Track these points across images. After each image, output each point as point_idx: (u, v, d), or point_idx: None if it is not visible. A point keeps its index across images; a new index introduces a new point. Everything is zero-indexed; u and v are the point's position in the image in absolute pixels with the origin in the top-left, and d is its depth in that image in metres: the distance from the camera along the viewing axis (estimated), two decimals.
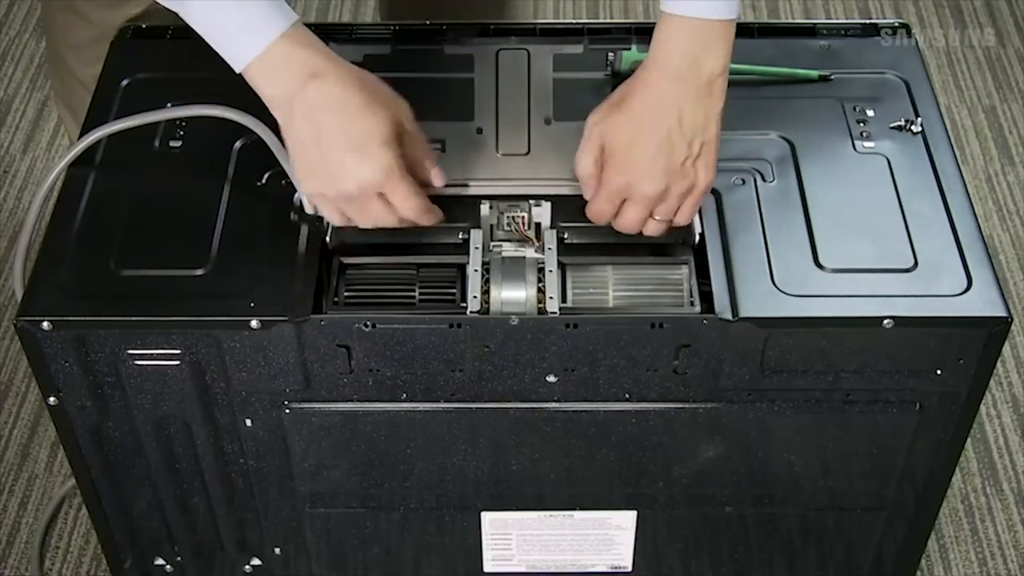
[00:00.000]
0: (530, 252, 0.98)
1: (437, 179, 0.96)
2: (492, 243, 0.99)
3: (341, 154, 0.89)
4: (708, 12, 0.89)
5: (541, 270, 0.96)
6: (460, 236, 0.98)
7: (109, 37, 1.15)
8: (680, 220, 0.95)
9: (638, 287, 0.96)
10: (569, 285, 0.96)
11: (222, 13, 0.86)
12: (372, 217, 0.92)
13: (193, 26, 0.88)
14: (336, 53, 1.07)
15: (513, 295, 0.94)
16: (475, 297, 0.93)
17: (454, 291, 0.96)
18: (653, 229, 0.95)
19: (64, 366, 0.95)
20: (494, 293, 0.94)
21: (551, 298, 0.94)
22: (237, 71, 0.88)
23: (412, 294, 0.95)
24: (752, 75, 1.09)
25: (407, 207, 0.92)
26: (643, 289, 0.96)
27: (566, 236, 0.98)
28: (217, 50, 0.88)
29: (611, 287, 0.96)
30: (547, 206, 1.00)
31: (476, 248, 0.97)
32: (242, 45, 0.87)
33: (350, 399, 0.98)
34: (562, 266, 0.97)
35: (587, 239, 0.99)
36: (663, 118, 0.90)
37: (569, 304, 0.95)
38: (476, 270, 0.95)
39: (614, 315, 0.95)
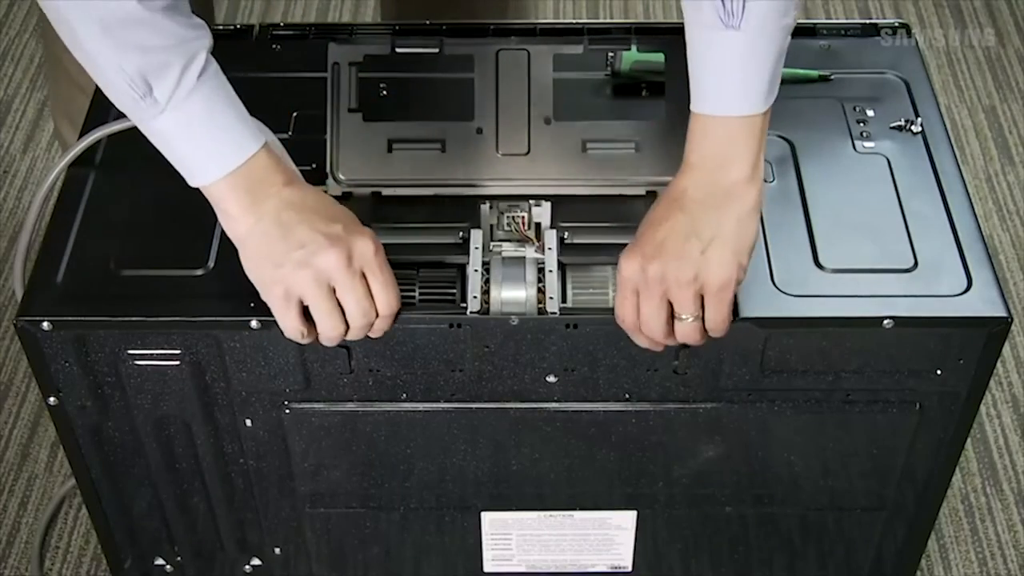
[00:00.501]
0: (530, 252, 0.98)
1: None
2: (492, 243, 0.99)
3: (332, 225, 0.86)
4: (731, 109, 0.86)
5: (541, 270, 0.96)
6: (460, 236, 0.98)
7: None
8: (710, 324, 0.88)
9: None
10: (569, 285, 0.96)
11: (199, 129, 0.84)
12: (350, 305, 0.87)
13: (162, 142, 0.85)
14: (336, 53, 1.07)
15: (513, 295, 0.94)
16: (475, 297, 0.93)
17: (454, 291, 0.96)
18: (683, 334, 0.89)
19: (64, 366, 0.95)
20: (494, 293, 0.94)
21: (551, 298, 0.93)
22: (206, 183, 0.85)
23: (412, 294, 0.95)
24: None
25: (387, 298, 0.88)
26: None
27: (566, 236, 0.98)
28: (185, 163, 0.86)
29: (611, 287, 0.96)
30: (547, 206, 1.00)
31: (476, 248, 0.97)
32: (223, 159, 0.85)
33: (350, 399, 0.98)
34: (562, 266, 0.97)
35: (587, 239, 0.99)
36: (673, 208, 0.87)
37: (569, 304, 0.95)
38: (476, 270, 0.95)
39: (614, 316, 0.94)
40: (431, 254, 0.98)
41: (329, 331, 0.88)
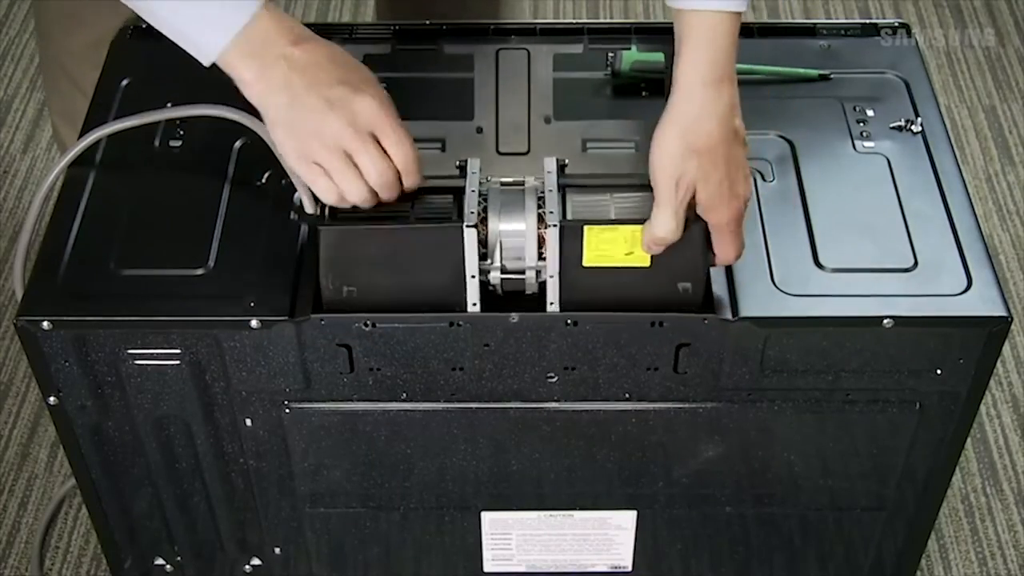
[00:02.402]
0: (529, 180, 0.94)
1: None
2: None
3: (336, 88, 0.86)
4: (718, 3, 0.88)
5: (541, 197, 0.92)
6: (457, 164, 0.96)
7: (109, 40, 1.15)
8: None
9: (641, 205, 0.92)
10: (569, 209, 0.93)
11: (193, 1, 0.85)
12: (366, 166, 0.88)
13: (159, 21, 0.87)
14: None
15: (513, 227, 0.91)
16: (475, 304, 0.92)
17: (450, 209, 0.92)
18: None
19: (64, 366, 0.95)
20: (492, 225, 0.91)
21: (551, 304, 0.93)
22: (215, 55, 0.86)
23: (407, 212, 0.92)
24: (752, 75, 1.09)
25: (401, 151, 0.88)
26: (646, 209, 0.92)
27: (566, 164, 0.96)
28: (188, 39, 0.86)
29: (613, 206, 0.93)
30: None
31: (473, 173, 0.94)
32: (222, 25, 0.85)
33: (350, 399, 0.98)
34: (562, 188, 0.93)
35: (588, 171, 0.96)
36: (713, 161, 0.89)
37: (569, 217, 0.92)
38: (473, 190, 0.92)
39: (614, 314, 0.94)
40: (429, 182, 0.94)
41: (352, 193, 0.89)
